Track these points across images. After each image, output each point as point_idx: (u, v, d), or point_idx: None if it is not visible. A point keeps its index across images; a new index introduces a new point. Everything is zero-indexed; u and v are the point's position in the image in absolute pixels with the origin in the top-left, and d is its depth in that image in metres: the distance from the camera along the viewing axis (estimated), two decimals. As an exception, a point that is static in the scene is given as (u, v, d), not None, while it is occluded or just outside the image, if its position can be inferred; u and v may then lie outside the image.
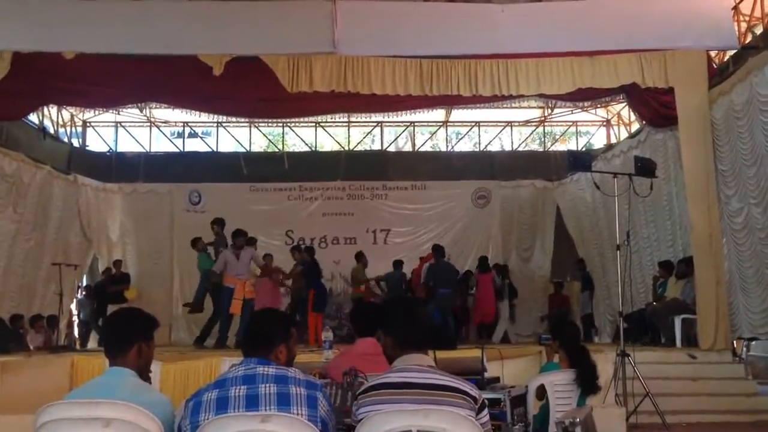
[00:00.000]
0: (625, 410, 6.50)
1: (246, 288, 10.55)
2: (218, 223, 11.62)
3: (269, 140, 17.38)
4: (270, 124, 16.97)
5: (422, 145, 17.47)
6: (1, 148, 11.59)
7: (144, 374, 2.94)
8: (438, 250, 12.20)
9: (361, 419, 2.69)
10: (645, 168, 7.95)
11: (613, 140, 15.85)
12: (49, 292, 12.44)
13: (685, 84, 9.88)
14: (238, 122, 16.58)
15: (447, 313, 11.59)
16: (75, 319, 14.61)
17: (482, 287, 13.45)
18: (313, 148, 17.11)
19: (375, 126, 17.05)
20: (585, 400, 4.62)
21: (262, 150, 17.28)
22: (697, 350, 8.99)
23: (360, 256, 13.42)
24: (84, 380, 5.30)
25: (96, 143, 16.66)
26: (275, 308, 2.92)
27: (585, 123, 17.18)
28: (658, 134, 11.39)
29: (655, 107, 10.98)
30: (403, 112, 14.01)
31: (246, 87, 11.10)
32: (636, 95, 11.34)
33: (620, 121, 16.01)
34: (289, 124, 16.75)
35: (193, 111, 14.19)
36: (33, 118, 13.64)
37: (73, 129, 16.12)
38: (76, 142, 16.09)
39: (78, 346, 12.88)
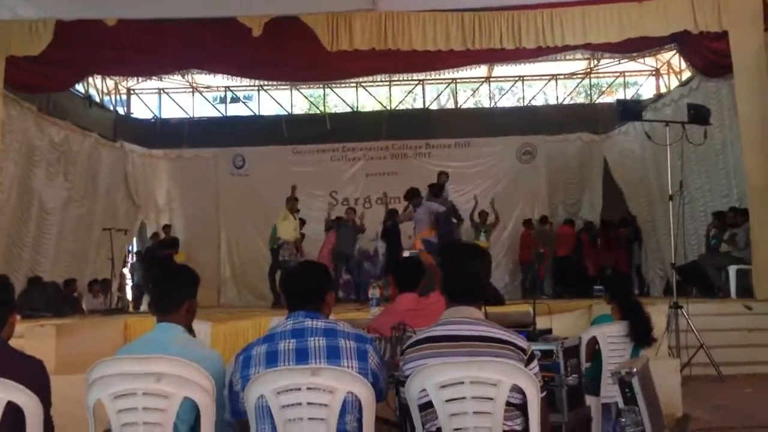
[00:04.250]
0: (679, 362, 6.37)
1: None
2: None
3: (310, 102, 17.33)
4: (311, 86, 16.91)
5: (465, 102, 17.21)
6: (49, 117, 11.80)
7: (190, 330, 2.96)
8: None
9: (409, 374, 2.65)
10: (698, 115, 7.65)
11: (663, 90, 15.35)
12: (101, 257, 12.75)
13: (740, 27, 9.50)
14: (279, 85, 16.55)
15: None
16: (128, 282, 15.02)
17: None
18: (355, 109, 17.00)
19: (416, 84, 16.84)
20: (639, 352, 4.53)
21: (303, 112, 17.26)
22: (752, 301, 8.74)
23: None
24: (137, 340, 5.39)
25: (140, 110, 16.86)
26: (315, 261, 2.91)
27: (633, 73, 16.66)
28: (711, 81, 10.97)
29: (708, 56, 10.55)
30: (445, 71, 13.80)
31: (286, 49, 11.01)
32: (688, 44, 10.91)
33: (670, 70, 15.47)
34: (330, 86, 16.65)
35: (234, 77, 14.25)
36: (78, 87, 13.82)
37: (118, 97, 16.31)
38: (121, 110, 16.29)
39: (131, 309, 13.23)
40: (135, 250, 15.67)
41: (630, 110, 8.58)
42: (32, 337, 6.30)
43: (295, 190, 11.63)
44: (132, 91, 16.69)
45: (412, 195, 10.91)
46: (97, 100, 15.02)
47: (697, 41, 10.48)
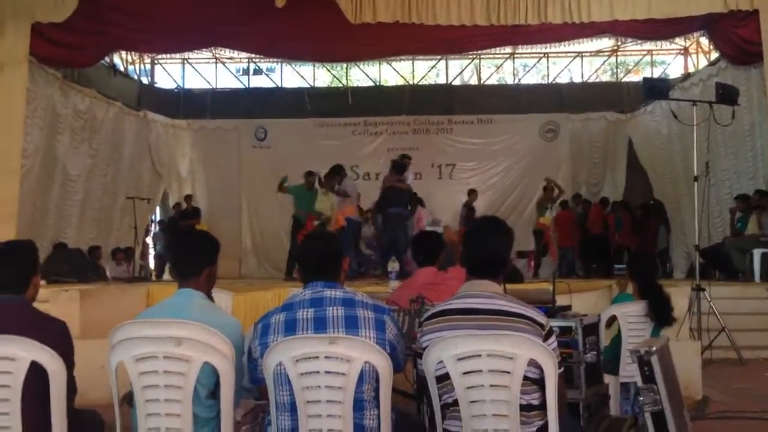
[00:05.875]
0: (700, 345, 6.33)
1: None
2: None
3: (333, 75, 17.25)
4: (334, 59, 16.81)
5: (488, 78, 17.05)
6: (74, 85, 11.87)
7: (209, 296, 2.98)
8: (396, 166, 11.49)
9: (426, 346, 2.65)
10: (727, 95, 7.51)
11: (691, 69, 15.06)
12: (124, 225, 12.86)
13: (772, 6, 9.28)
14: (302, 57, 16.47)
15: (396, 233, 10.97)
16: (151, 251, 15.17)
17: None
18: (378, 83, 16.92)
19: (440, 59, 16.68)
20: (659, 333, 4.50)
21: (326, 85, 17.20)
22: (776, 286, 8.64)
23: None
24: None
25: (164, 80, 16.92)
26: (325, 231, 2.92)
27: (661, 52, 16.32)
28: (740, 69, 10.77)
29: (738, 44, 10.37)
30: (470, 52, 13.72)
31: (309, 24, 10.94)
32: (717, 31, 10.72)
33: (699, 49, 15.16)
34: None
35: (257, 54, 14.28)
36: (103, 55, 13.85)
37: (142, 66, 16.35)
38: (144, 79, 16.35)
39: (154, 278, 13.37)
40: (158, 219, 15.79)
41: (657, 88, 8.46)
42: (57, 301, 6.42)
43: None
44: (156, 61, 16.72)
45: (336, 172, 11.05)
46: (122, 69, 15.06)
47: (727, 28, 10.29)
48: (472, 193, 13.42)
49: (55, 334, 2.74)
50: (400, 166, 11.39)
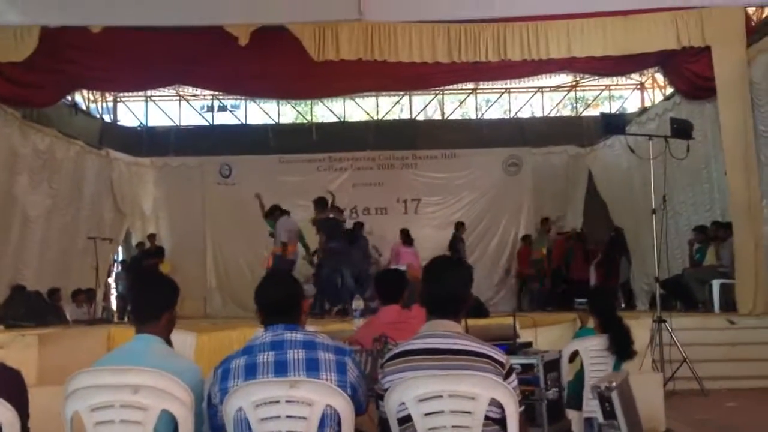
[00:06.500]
0: (662, 376, 6.39)
1: None
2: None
3: (298, 112, 17.34)
4: (298, 95, 16.88)
5: (452, 113, 17.27)
6: (33, 125, 11.72)
7: (168, 341, 2.94)
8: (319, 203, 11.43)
9: (388, 388, 2.64)
10: (681, 130, 7.73)
11: (648, 104, 15.47)
12: (86, 266, 12.60)
13: (723, 42, 9.62)
14: (266, 94, 16.52)
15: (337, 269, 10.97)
16: (113, 292, 14.88)
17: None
18: (342, 119, 17.02)
19: (404, 95, 16.87)
20: (621, 366, 4.54)
21: (290, 122, 17.26)
22: (735, 315, 8.80)
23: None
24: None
25: (127, 118, 16.81)
26: (285, 270, 2.88)
27: (618, 87, 16.76)
28: (695, 103, 11.10)
29: (692, 79, 10.72)
30: (432, 89, 13.92)
31: (273, 61, 11.03)
32: (672, 67, 11.07)
33: (655, 84, 15.61)
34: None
35: (221, 92, 14.33)
36: (64, 94, 13.73)
37: (104, 104, 16.25)
38: (107, 118, 16.22)
39: (116, 319, 13.11)
40: (120, 259, 15.55)
41: (614, 124, 8.69)
42: (14, 347, 6.24)
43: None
44: (118, 99, 16.62)
45: (272, 211, 11.16)
46: (84, 107, 14.94)
47: (681, 64, 10.65)
48: (461, 226, 13.49)
49: (8, 385, 2.66)
50: (322, 201, 11.34)
